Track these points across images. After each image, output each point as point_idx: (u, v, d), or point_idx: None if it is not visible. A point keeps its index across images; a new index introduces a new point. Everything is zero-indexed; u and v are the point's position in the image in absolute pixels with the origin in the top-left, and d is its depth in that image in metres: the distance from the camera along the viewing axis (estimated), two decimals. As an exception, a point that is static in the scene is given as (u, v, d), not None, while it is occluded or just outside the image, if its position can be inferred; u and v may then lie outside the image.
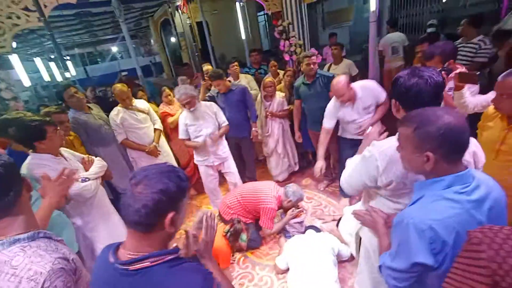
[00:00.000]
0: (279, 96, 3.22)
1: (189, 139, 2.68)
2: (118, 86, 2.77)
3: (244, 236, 2.28)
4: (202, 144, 2.60)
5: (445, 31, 6.25)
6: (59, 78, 7.09)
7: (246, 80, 3.64)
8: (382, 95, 2.27)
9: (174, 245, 0.84)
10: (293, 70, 3.51)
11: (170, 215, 0.73)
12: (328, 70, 3.79)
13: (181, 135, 2.68)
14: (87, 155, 1.93)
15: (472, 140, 1.03)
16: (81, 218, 1.84)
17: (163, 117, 3.18)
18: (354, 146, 2.30)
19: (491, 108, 1.51)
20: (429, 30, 4.86)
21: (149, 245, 0.75)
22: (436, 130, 0.78)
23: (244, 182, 3.05)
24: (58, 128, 1.69)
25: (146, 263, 0.72)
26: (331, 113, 2.38)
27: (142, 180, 0.72)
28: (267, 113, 3.19)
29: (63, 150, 1.79)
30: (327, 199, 3.02)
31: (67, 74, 6.77)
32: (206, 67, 3.62)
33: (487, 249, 0.60)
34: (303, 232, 2.32)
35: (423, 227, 0.76)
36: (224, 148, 2.81)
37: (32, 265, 0.79)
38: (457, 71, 1.67)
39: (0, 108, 2.56)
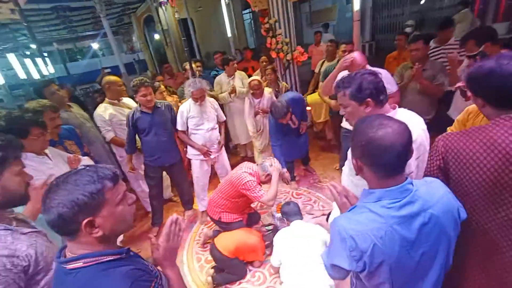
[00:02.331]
0: (267, 92, 3.26)
1: (184, 132, 2.69)
2: (112, 76, 2.71)
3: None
4: (200, 147, 2.68)
5: (422, 31, 6.53)
6: (36, 75, 6.75)
7: (240, 77, 3.63)
8: (392, 85, 2.30)
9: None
10: (273, 67, 3.53)
11: (84, 222, 0.70)
12: (321, 66, 3.85)
13: (180, 126, 2.66)
14: (73, 154, 1.87)
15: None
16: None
17: None
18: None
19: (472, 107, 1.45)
20: (406, 30, 5.06)
21: (82, 248, 0.74)
22: (359, 140, 0.83)
23: (183, 206, 3.06)
24: (45, 132, 1.63)
25: (79, 263, 0.72)
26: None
27: (47, 192, 0.71)
28: (258, 110, 3.21)
29: (47, 148, 1.72)
30: (316, 194, 3.08)
31: (45, 71, 6.44)
32: (192, 64, 3.54)
33: None
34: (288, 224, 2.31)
35: (345, 235, 0.81)
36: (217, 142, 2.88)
37: None
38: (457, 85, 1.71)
39: None
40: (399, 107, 2.41)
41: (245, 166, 2.37)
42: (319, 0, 9.99)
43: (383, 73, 2.37)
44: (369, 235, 0.79)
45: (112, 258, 0.74)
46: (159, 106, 2.55)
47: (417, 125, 1.15)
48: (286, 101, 2.64)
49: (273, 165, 2.30)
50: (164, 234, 0.90)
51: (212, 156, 2.80)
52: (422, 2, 6.94)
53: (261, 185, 2.28)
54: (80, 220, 0.70)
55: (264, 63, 3.72)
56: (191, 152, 2.79)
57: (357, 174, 0.90)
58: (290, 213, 2.16)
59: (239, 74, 3.66)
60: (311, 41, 6.29)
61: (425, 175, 1.09)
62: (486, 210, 0.96)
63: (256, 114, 3.23)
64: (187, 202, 3.00)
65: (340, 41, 3.74)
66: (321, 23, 7.72)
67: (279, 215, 2.49)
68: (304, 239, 1.89)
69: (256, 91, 3.11)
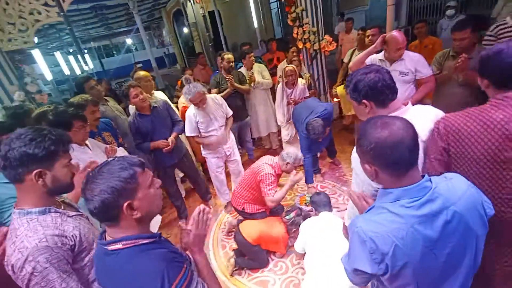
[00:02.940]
0: (301, 83, 3.21)
1: (197, 136, 2.70)
2: (142, 72, 2.87)
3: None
4: (213, 140, 2.66)
5: (468, 11, 5.88)
6: (78, 71, 7.37)
7: (259, 69, 3.61)
8: (425, 68, 2.24)
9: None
10: (299, 60, 3.41)
11: (125, 205, 0.77)
12: (351, 55, 3.70)
13: (190, 132, 2.64)
14: (110, 145, 2.03)
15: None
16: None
17: (184, 111, 3.04)
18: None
19: None
20: (448, 12, 4.60)
21: (121, 232, 0.81)
22: (367, 144, 0.80)
23: (202, 198, 3.04)
24: (86, 125, 1.80)
25: (119, 245, 0.79)
26: (371, 60, 2.39)
27: (86, 184, 0.78)
28: (290, 100, 3.19)
29: (87, 140, 1.89)
30: (341, 187, 3.02)
31: (85, 67, 6.99)
32: (227, 55, 3.41)
33: None
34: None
35: (364, 237, 0.78)
36: (231, 137, 2.88)
37: (25, 238, 0.92)
38: None
39: (26, 104, 2.69)
40: (433, 99, 2.26)
41: (267, 158, 2.43)
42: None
43: (416, 57, 2.27)
44: (390, 236, 0.76)
45: (147, 241, 0.82)
46: (156, 105, 2.51)
47: (431, 124, 1.09)
48: (321, 118, 2.65)
49: (290, 178, 2.24)
50: (193, 222, 0.96)
51: (228, 153, 2.83)
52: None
53: (277, 184, 2.31)
54: (121, 204, 0.77)
55: (293, 54, 3.63)
56: (205, 151, 2.83)
57: (373, 180, 0.88)
58: (320, 203, 2.14)
59: (258, 66, 3.63)
60: (341, 29, 6.02)
61: (430, 160, 1.07)
62: (491, 189, 1.00)
63: (288, 103, 3.22)
64: (205, 193, 3.04)
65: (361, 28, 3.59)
66: (351, 10, 7.31)
67: (303, 207, 2.50)
68: (331, 232, 1.86)
69: (289, 77, 3.07)
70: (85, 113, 2.03)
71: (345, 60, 3.88)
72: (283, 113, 3.30)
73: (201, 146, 2.85)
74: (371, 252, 0.78)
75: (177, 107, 3.49)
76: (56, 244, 0.94)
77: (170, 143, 2.49)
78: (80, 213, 1.16)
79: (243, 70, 3.61)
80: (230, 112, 2.79)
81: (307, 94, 3.26)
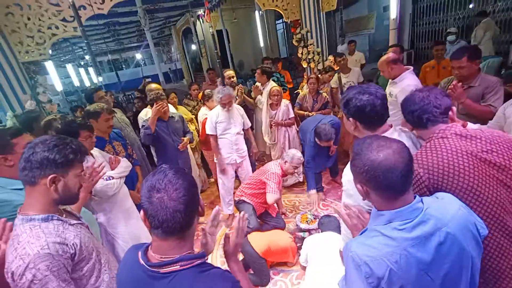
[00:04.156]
0: (284, 104, 3.25)
1: (215, 136, 2.83)
2: (153, 84, 2.99)
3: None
4: (223, 160, 2.81)
5: (468, 37, 6.03)
6: (87, 83, 7.59)
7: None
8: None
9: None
10: (316, 77, 3.46)
11: (196, 216, 0.77)
12: (339, 81, 3.77)
13: (210, 131, 2.82)
14: (114, 155, 2.05)
15: None
16: (103, 215, 1.93)
17: (205, 123, 3.03)
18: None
19: None
20: (448, 38, 4.74)
21: (181, 247, 0.75)
22: (361, 165, 0.79)
23: None
24: (92, 135, 1.85)
25: (176, 267, 0.72)
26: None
27: (166, 186, 0.71)
28: (272, 122, 3.28)
29: (93, 149, 1.92)
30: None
31: (95, 79, 7.21)
32: (228, 72, 3.64)
33: None
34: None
35: (359, 262, 0.77)
36: (244, 147, 2.95)
37: (27, 245, 0.91)
38: None
39: (37, 110, 2.77)
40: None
41: (274, 161, 2.65)
42: (354, 8, 9.80)
43: (403, 84, 2.16)
44: (384, 260, 0.75)
45: (200, 261, 0.76)
46: (173, 116, 2.74)
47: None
48: (333, 127, 2.73)
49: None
50: (235, 229, 0.98)
51: (238, 161, 2.89)
52: (471, 6, 6.42)
53: (280, 187, 2.51)
54: (196, 206, 0.77)
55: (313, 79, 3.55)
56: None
57: (364, 199, 0.88)
58: (328, 226, 2.15)
59: (271, 84, 3.70)
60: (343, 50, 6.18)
61: None
62: (495, 203, 0.95)
63: (270, 125, 3.34)
64: None
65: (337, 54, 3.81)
66: (356, 33, 7.54)
67: (303, 225, 2.47)
68: (334, 248, 1.81)
69: (275, 96, 3.16)
70: (99, 120, 2.11)
71: (333, 85, 3.84)
72: (268, 133, 3.40)
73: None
74: (367, 276, 0.77)
75: (196, 117, 3.61)
76: (57, 251, 0.94)
77: (185, 142, 2.71)
78: (81, 222, 1.16)
79: (257, 84, 3.71)
80: (249, 124, 2.97)
81: (291, 115, 3.30)
